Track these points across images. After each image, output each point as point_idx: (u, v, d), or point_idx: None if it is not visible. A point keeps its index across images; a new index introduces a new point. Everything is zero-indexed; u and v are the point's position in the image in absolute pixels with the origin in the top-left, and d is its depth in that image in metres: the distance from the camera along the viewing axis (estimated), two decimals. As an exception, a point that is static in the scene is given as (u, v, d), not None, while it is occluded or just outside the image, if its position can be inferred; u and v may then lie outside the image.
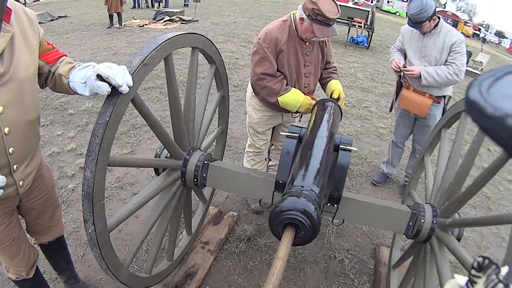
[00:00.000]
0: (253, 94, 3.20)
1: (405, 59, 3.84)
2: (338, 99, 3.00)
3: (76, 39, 11.33)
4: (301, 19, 2.73)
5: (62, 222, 2.44)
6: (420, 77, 3.55)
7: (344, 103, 2.91)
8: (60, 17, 15.86)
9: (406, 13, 3.74)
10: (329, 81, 3.14)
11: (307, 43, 2.89)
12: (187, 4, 20.63)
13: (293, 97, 2.84)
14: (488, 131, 0.47)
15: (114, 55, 8.98)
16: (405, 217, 2.17)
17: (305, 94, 2.91)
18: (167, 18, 15.32)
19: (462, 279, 0.73)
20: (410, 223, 2.16)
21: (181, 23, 14.87)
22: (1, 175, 1.49)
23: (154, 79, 7.09)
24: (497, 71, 0.53)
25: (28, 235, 2.22)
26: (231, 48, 10.37)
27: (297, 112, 2.96)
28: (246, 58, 9.39)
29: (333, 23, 2.68)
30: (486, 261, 0.62)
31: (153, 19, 15.48)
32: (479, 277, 0.62)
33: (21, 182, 1.77)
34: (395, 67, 3.77)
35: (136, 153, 4.69)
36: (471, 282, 0.64)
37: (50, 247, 2.42)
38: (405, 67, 3.72)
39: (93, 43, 10.62)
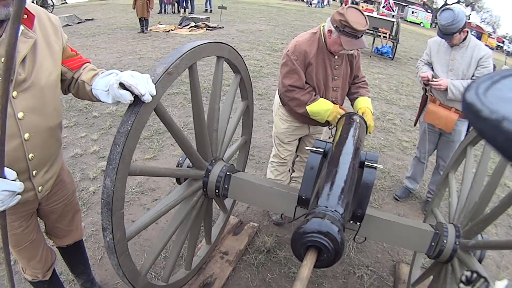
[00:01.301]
0: (281, 104, 3.18)
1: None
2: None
3: (103, 42, 11.49)
4: (330, 31, 2.70)
5: (82, 226, 2.44)
6: (447, 90, 3.48)
7: (372, 126, 2.83)
8: (87, 20, 16.16)
9: (431, 24, 3.70)
10: (357, 97, 3.07)
11: (336, 57, 2.85)
12: (211, 10, 20.79)
13: (322, 106, 2.80)
14: (484, 134, 0.47)
15: (139, 59, 9.07)
16: (428, 236, 2.12)
17: (335, 103, 2.87)
18: (193, 24, 15.45)
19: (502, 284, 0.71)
20: (433, 243, 2.11)
21: (206, 30, 14.97)
22: (20, 180, 1.48)
23: (178, 85, 7.12)
24: (495, 75, 0.53)
25: (47, 238, 2.23)
26: (256, 56, 10.38)
27: (327, 122, 2.91)
28: (271, 66, 9.38)
29: (362, 35, 2.64)
30: (475, 275, 0.63)
31: (178, 25, 15.63)
32: None
33: (40, 188, 1.78)
34: (424, 78, 3.68)
35: (158, 159, 4.70)
36: None
37: (68, 250, 2.43)
38: (429, 82, 3.65)
39: (119, 46, 10.76)
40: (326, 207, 1.42)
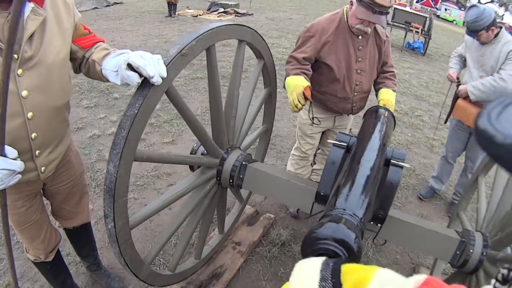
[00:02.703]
0: None
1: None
2: None
3: (129, 25, 11.47)
4: (351, 3, 2.62)
5: (89, 209, 2.40)
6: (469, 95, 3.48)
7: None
8: (115, 3, 16.18)
9: (464, 22, 3.65)
10: (382, 87, 2.93)
11: (360, 37, 2.72)
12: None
13: (293, 80, 2.59)
14: (499, 159, 0.48)
15: (165, 43, 9.02)
16: (453, 244, 1.98)
17: (354, 92, 2.73)
18: (222, 10, 15.36)
19: None
20: (458, 252, 1.97)
21: (235, 16, 14.86)
22: (22, 160, 1.43)
23: (203, 69, 7.03)
24: (505, 99, 0.53)
25: (53, 218, 2.20)
26: (284, 44, 10.23)
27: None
28: (299, 56, 9.24)
29: (381, 13, 2.50)
30: None
31: (207, 10, 15.54)
32: None
33: (43, 168, 1.73)
34: (448, 77, 3.79)
35: (177, 143, 4.63)
36: None
37: (74, 232, 2.40)
38: (459, 80, 3.69)
39: (145, 30, 10.73)
40: (344, 209, 1.29)
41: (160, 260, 2.92)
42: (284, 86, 2.68)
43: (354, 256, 1.09)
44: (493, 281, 0.63)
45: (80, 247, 2.55)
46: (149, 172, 3.93)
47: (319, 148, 3.53)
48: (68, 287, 2.44)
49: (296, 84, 2.53)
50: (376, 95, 2.97)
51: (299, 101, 2.45)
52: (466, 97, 3.61)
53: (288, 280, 0.86)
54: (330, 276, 0.78)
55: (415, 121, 6.46)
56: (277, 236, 3.28)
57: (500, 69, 3.33)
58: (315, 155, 3.63)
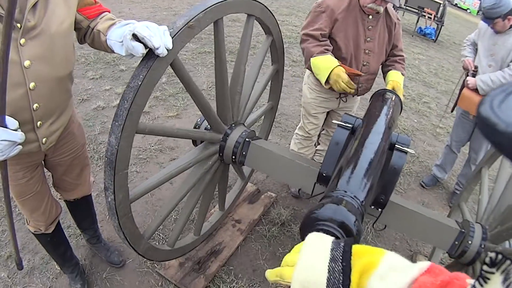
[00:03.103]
0: (311, 72, 3.02)
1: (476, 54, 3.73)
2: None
3: (137, -4, 11.33)
4: None
5: (90, 181, 2.40)
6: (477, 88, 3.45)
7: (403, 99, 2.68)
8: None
9: (478, 11, 3.61)
10: (390, 69, 2.90)
11: (370, 16, 2.69)
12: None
13: (325, 62, 2.56)
14: (502, 148, 0.48)
15: (174, 15, 8.92)
16: (452, 234, 1.97)
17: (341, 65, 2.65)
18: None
19: None
20: (456, 242, 1.96)
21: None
22: (23, 131, 1.42)
23: (211, 44, 6.94)
24: (508, 87, 0.53)
25: (54, 190, 2.20)
26: (294, 22, 10.10)
27: (327, 83, 2.66)
28: (309, 34, 9.15)
29: None
30: (500, 256, 0.58)
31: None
32: (492, 273, 0.58)
33: (44, 140, 1.71)
34: (465, 66, 3.71)
35: (181, 117, 4.61)
36: (483, 278, 0.59)
37: (75, 204, 2.40)
38: (476, 69, 3.61)
39: (154, 1, 10.57)
40: (345, 191, 1.28)
41: (159, 235, 2.93)
42: (309, 67, 2.65)
43: (353, 239, 1.08)
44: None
45: (81, 219, 2.55)
46: (152, 146, 3.92)
47: (323, 129, 3.52)
48: (68, 259, 2.46)
49: (328, 66, 2.52)
50: (384, 78, 2.95)
51: (350, 88, 2.51)
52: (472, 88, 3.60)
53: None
54: (341, 258, 0.77)
55: (422, 108, 6.41)
56: (277, 216, 3.29)
57: (511, 61, 3.29)
58: (319, 136, 3.62)
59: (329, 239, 0.84)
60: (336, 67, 2.50)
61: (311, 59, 2.61)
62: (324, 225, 1.06)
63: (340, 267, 0.75)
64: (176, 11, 9.46)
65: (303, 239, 1.19)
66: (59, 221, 2.25)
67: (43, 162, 1.97)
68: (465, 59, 3.72)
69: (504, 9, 3.16)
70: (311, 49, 2.62)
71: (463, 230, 1.95)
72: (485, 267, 0.59)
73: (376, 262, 0.75)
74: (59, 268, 2.58)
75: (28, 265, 2.62)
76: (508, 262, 0.56)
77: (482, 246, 1.90)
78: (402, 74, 2.86)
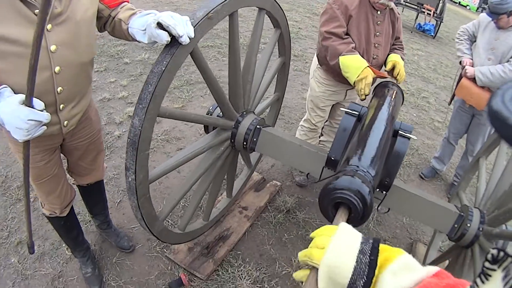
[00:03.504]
0: (318, 66, 3.11)
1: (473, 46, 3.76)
2: (392, 70, 2.86)
3: (139, -10, 11.34)
4: None
5: (104, 167, 2.46)
6: (475, 78, 3.46)
7: (403, 76, 2.83)
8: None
9: (477, 8, 3.61)
10: (390, 53, 3.00)
11: (379, 12, 2.79)
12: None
13: (355, 62, 2.61)
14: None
15: (175, 10, 8.89)
16: (452, 217, 2.06)
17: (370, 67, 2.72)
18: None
19: None
20: (456, 225, 2.05)
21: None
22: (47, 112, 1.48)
23: (213, 38, 7.03)
24: None
25: (68, 176, 2.25)
26: (295, 17, 10.15)
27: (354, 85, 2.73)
28: (310, 29, 9.19)
29: None
30: (502, 254, 0.58)
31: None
32: (494, 270, 0.58)
33: (65, 122, 1.79)
34: (462, 63, 3.70)
35: (186, 109, 4.69)
36: (484, 275, 0.60)
37: (88, 189, 2.46)
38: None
39: (156, -5, 10.62)
40: (357, 166, 1.38)
41: (168, 222, 3.01)
42: (339, 67, 2.66)
43: (366, 208, 1.18)
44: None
45: (93, 204, 2.61)
46: (159, 136, 4.00)
47: (327, 121, 3.61)
48: (80, 243, 2.51)
49: (358, 66, 2.56)
50: (385, 63, 3.03)
51: (365, 90, 2.53)
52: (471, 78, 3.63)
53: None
54: (369, 252, 0.81)
55: (421, 102, 6.49)
56: (283, 203, 3.38)
57: (509, 59, 3.32)
58: (322, 127, 3.71)
59: (359, 234, 0.88)
60: (365, 68, 2.56)
61: (340, 57, 2.63)
62: (342, 193, 1.16)
63: (367, 260, 0.80)
64: (177, 5, 9.50)
65: (321, 210, 1.29)
66: (72, 205, 2.31)
67: (60, 147, 2.04)
68: (465, 59, 3.69)
69: (511, 6, 3.19)
70: (337, 47, 2.65)
71: (462, 214, 2.04)
72: (487, 264, 0.60)
73: (392, 258, 0.78)
74: (69, 253, 2.65)
75: (38, 250, 2.68)
76: (510, 259, 0.57)
77: (481, 229, 1.98)
78: (402, 58, 2.96)
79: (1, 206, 2.98)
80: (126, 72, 5.35)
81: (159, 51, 1.57)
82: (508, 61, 3.33)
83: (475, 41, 3.72)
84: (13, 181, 3.20)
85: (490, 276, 0.59)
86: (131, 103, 4.54)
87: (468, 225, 1.99)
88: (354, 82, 2.60)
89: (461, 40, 3.86)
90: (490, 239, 1.96)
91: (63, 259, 2.66)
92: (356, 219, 1.24)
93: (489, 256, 0.59)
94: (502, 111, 0.47)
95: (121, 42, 5.97)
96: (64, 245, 2.70)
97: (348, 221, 1.23)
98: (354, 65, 2.58)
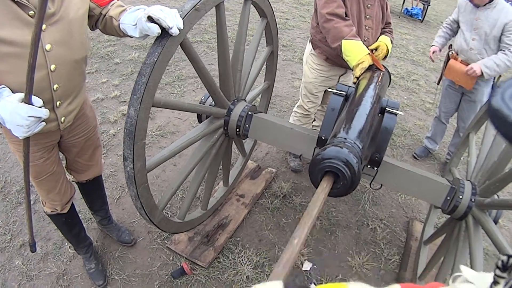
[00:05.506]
0: (312, 52, 3.14)
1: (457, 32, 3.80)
2: (376, 50, 2.86)
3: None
4: None
5: (101, 162, 2.50)
6: (483, 74, 3.42)
7: (385, 55, 2.86)
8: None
9: None
10: (379, 36, 3.03)
11: None
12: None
13: (358, 48, 2.58)
14: None
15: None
16: (444, 190, 2.11)
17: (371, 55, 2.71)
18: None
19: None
20: (448, 197, 2.10)
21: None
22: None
23: (202, 33, 7.05)
24: None
25: (67, 173, 2.29)
26: (282, 8, 10.15)
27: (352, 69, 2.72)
28: (297, 20, 9.20)
29: None
30: (511, 260, 0.58)
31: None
32: (504, 277, 0.58)
33: (62, 118, 1.83)
34: (430, 52, 4.01)
35: (179, 104, 4.69)
36: (494, 282, 0.60)
37: (87, 185, 2.50)
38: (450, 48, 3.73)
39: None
40: (345, 138, 1.43)
41: (167, 213, 3.05)
42: (340, 50, 2.63)
43: (354, 176, 1.23)
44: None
45: (93, 200, 2.65)
46: (154, 132, 4.04)
47: (319, 106, 3.65)
48: (82, 239, 2.55)
49: (360, 52, 2.55)
50: None
51: (359, 73, 2.52)
52: (457, 58, 3.69)
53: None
54: None
55: (411, 85, 6.53)
56: (279, 189, 3.45)
57: (505, 44, 3.32)
58: (315, 113, 3.74)
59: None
60: (366, 55, 2.55)
61: (343, 41, 2.58)
62: (330, 162, 1.21)
63: None
64: (164, 3, 9.49)
65: (312, 182, 1.34)
66: (73, 202, 2.35)
67: (58, 144, 2.07)
68: (432, 47, 3.91)
69: None
70: (342, 29, 2.60)
71: (453, 186, 2.09)
72: (497, 272, 0.59)
73: None
74: (72, 251, 2.69)
75: (41, 251, 2.72)
76: None
77: (473, 200, 2.03)
78: (391, 41, 2.98)
79: (2, 210, 3.01)
80: (117, 72, 5.36)
81: (148, 50, 1.61)
82: (504, 44, 3.34)
83: (459, 26, 3.74)
84: (13, 186, 3.23)
85: (498, 283, 0.59)
86: (124, 101, 4.57)
87: (460, 196, 2.04)
88: (353, 66, 2.59)
89: (441, 27, 3.99)
90: (483, 209, 2.01)
91: (67, 257, 2.70)
92: (345, 187, 1.29)
93: (499, 263, 0.59)
94: (502, 109, 0.47)
95: (110, 43, 5.98)
96: (66, 243, 2.74)
97: (335, 189, 1.29)
98: (356, 51, 2.57)
